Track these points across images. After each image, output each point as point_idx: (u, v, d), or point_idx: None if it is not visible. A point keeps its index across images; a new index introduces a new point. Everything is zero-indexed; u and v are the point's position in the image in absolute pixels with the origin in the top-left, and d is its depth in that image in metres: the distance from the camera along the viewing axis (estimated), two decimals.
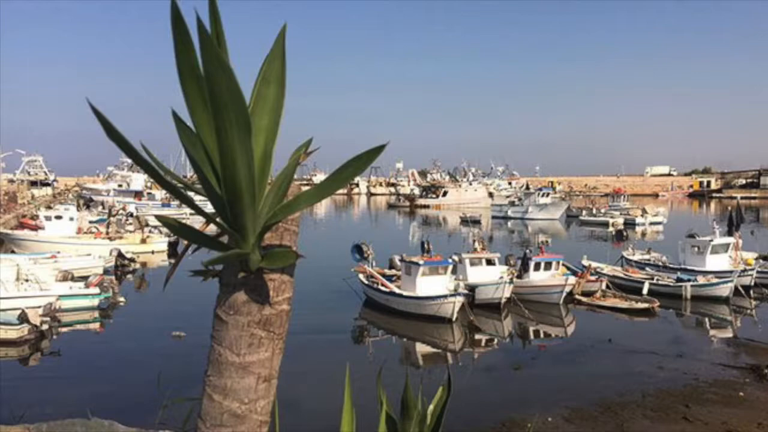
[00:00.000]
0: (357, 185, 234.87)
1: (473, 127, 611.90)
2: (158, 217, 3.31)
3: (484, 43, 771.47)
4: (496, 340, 36.95)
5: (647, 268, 51.60)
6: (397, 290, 41.37)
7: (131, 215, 76.53)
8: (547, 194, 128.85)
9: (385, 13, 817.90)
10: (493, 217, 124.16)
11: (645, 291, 45.09)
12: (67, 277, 43.38)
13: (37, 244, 61.93)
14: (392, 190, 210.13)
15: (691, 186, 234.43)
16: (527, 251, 47.72)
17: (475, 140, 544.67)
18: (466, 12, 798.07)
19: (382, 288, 42.14)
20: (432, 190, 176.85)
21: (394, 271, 46.59)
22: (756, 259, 51.63)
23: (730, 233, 54.62)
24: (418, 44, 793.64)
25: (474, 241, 48.22)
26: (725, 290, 44.69)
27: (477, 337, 37.01)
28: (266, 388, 2.98)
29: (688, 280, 45.94)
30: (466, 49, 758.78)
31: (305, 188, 3.08)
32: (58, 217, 67.31)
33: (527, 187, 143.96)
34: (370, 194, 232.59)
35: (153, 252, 67.72)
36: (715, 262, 49.51)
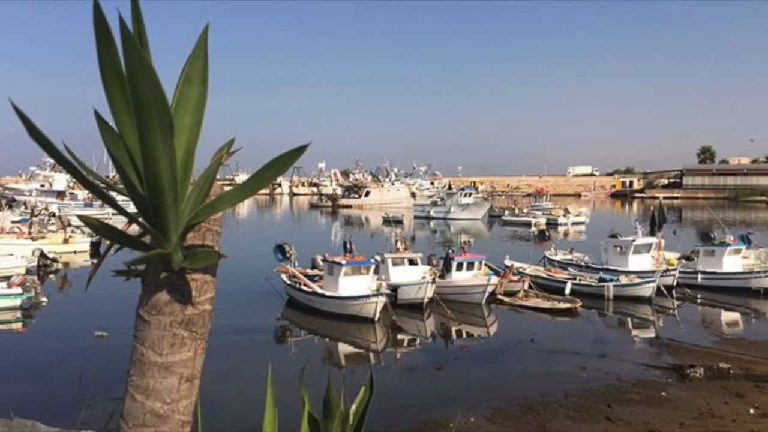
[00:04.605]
0: (279, 185, 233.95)
1: (396, 128, 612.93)
2: (81, 217, 3.29)
3: (407, 43, 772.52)
4: (418, 340, 37.04)
5: (570, 268, 52.04)
6: (319, 290, 41.27)
7: (54, 215, 75.51)
8: (470, 194, 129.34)
9: (307, 13, 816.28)
10: (416, 217, 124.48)
11: (567, 291, 45.44)
12: None
13: None
14: (315, 190, 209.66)
15: (614, 186, 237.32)
16: (450, 251, 47.96)
17: (397, 140, 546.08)
18: (389, 12, 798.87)
19: (305, 288, 42.02)
20: (354, 190, 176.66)
21: (316, 271, 46.47)
22: (678, 259, 52.43)
23: (652, 233, 55.39)
24: (340, 44, 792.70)
25: (396, 241, 48.37)
26: (647, 290, 45.16)
27: (399, 337, 37.07)
28: (189, 388, 2.98)
29: (611, 280, 46.36)
30: (389, 50, 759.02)
31: (228, 188, 3.09)
32: None
33: (449, 187, 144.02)
34: (292, 194, 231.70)
35: (75, 252, 66.80)
36: (638, 262, 50.05)
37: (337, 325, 38.22)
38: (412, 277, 43.87)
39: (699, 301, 46.45)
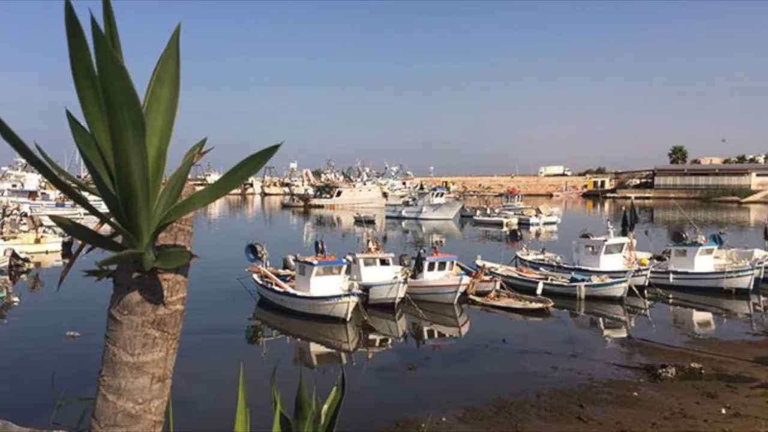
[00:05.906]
0: (251, 185, 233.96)
1: (368, 128, 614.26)
2: (52, 217, 3.28)
3: (377, 43, 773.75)
4: (390, 340, 37.00)
5: (541, 268, 52.04)
6: (291, 290, 41.14)
7: (25, 215, 75.22)
8: (441, 194, 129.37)
9: (278, 12, 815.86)
10: (387, 217, 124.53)
11: (539, 291, 45.38)
12: None
13: None
14: (286, 190, 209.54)
15: (585, 186, 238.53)
16: (421, 251, 47.90)
17: (369, 140, 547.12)
18: (358, 12, 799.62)
19: (276, 288, 41.89)
20: (326, 190, 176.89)
21: (288, 271, 46.35)
22: (650, 258, 52.45)
23: (624, 233, 55.45)
24: (311, 45, 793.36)
25: (368, 241, 48.25)
26: (619, 290, 45.18)
27: (371, 337, 37.01)
28: (160, 388, 2.98)
29: (582, 280, 46.36)
30: (360, 50, 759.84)
31: (199, 188, 3.09)
32: None
33: (421, 187, 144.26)
34: (264, 194, 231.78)
35: (47, 252, 66.43)
36: (610, 262, 50.14)
37: (308, 325, 38.12)
38: (384, 277, 43.85)
39: (671, 301, 46.59)
